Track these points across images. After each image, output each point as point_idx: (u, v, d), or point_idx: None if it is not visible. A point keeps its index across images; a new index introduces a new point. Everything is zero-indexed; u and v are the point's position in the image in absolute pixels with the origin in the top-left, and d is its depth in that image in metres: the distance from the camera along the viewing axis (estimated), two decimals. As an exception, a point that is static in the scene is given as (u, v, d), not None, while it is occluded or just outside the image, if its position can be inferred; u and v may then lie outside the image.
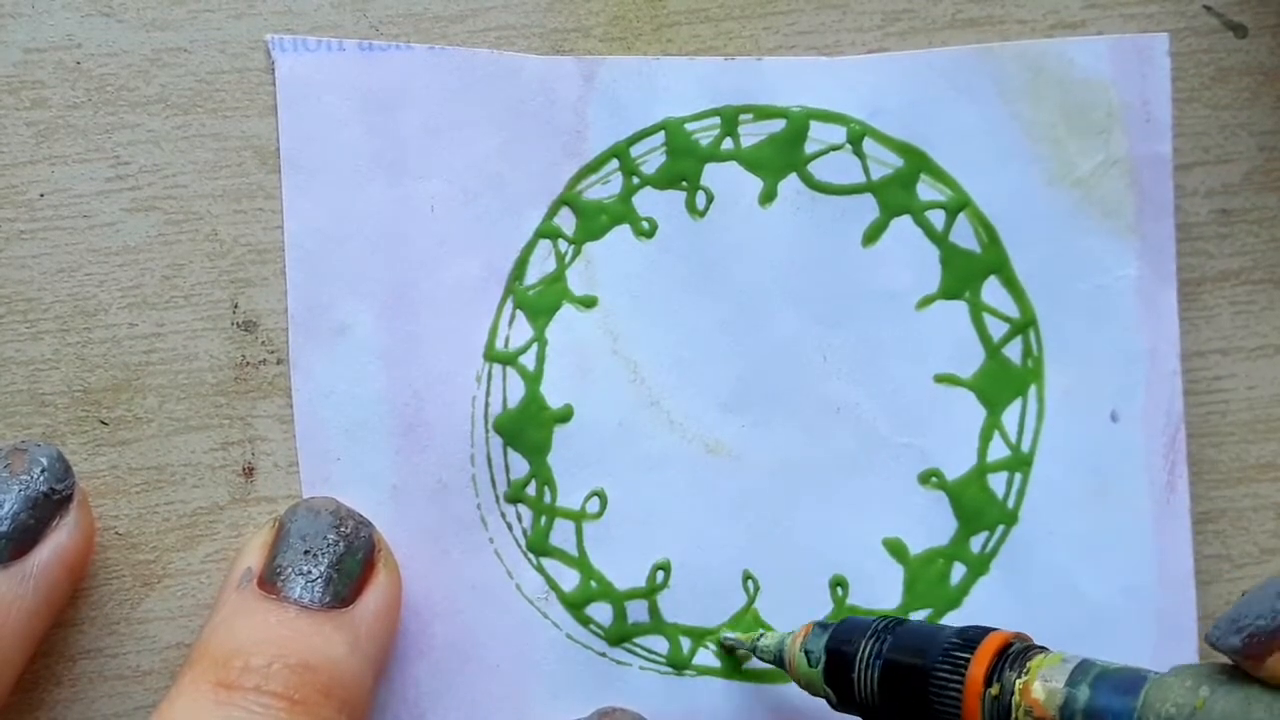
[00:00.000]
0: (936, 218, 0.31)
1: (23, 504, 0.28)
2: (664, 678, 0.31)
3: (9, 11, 0.30)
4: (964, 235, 0.32)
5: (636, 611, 0.31)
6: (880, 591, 0.31)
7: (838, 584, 0.31)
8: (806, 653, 0.29)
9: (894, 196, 0.31)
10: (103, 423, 0.31)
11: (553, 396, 0.31)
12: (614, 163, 0.31)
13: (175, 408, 0.31)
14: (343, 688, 0.27)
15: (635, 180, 0.31)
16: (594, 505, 0.31)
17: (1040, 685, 0.24)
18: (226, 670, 0.26)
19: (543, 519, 0.31)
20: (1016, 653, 0.25)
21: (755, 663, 0.31)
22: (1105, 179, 0.31)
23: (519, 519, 0.31)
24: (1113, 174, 0.31)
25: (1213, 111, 0.32)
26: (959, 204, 0.31)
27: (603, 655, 0.31)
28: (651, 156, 0.31)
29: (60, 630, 0.30)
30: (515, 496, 0.31)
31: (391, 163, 0.31)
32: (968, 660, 0.25)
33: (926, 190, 0.31)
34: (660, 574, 0.31)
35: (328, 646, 0.27)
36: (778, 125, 0.31)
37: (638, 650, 0.31)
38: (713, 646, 0.31)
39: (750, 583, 0.31)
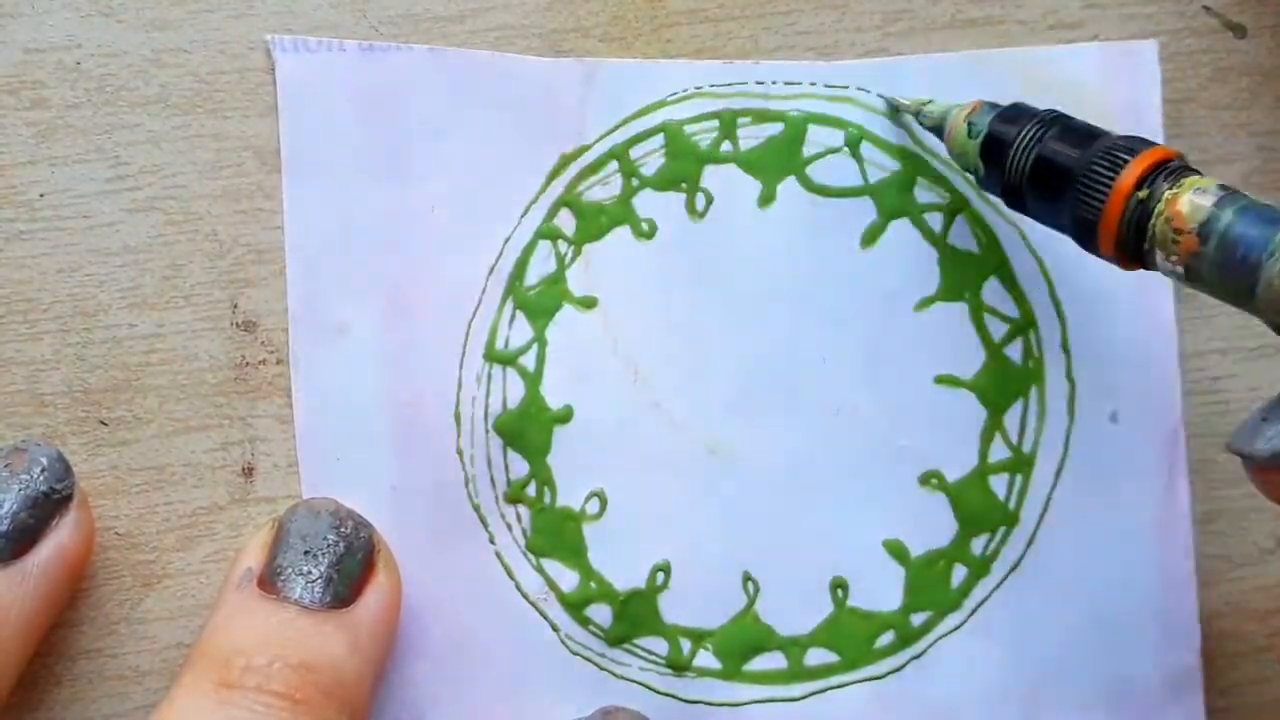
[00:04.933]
0: (934, 220, 0.31)
1: (22, 503, 0.28)
2: (664, 679, 0.31)
3: (9, 12, 0.30)
4: (962, 237, 0.32)
5: (636, 613, 0.31)
6: (881, 593, 0.31)
7: (838, 585, 0.31)
8: (969, 124, 0.29)
9: (892, 199, 0.31)
10: (103, 423, 0.31)
11: (553, 397, 0.31)
12: (614, 164, 0.31)
13: (175, 408, 0.31)
14: (343, 687, 0.27)
15: (635, 182, 0.31)
16: (594, 506, 0.31)
17: (1189, 199, 0.25)
18: (227, 670, 0.26)
19: (542, 520, 0.31)
20: (1175, 169, 0.26)
21: (756, 664, 0.31)
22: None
23: (519, 519, 0.31)
24: None
25: (1211, 112, 0.32)
26: (956, 206, 0.31)
27: (602, 656, 0.31)
28: (651, 158, 0.31)
29: (60, 630, 0.30)
30: (515, 497, 0.31)
31: (392, 163, 0.31)
32: (1127, 161, 0.26)
33: (924, 193, 0.31)
34: (660, 575, 0.31)
35: (328, 646, 0.27)
36: (776, 128, 0.31)
37: (637, 651, 0.31)
38: (710, 647, 0.31)
39: (750, 584, 0.31)
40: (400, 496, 0.31)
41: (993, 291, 0.32)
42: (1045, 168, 0.27)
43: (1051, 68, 0.31)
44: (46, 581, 0.28)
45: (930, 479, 0.32)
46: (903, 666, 0.31)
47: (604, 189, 0.31)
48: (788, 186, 0.31)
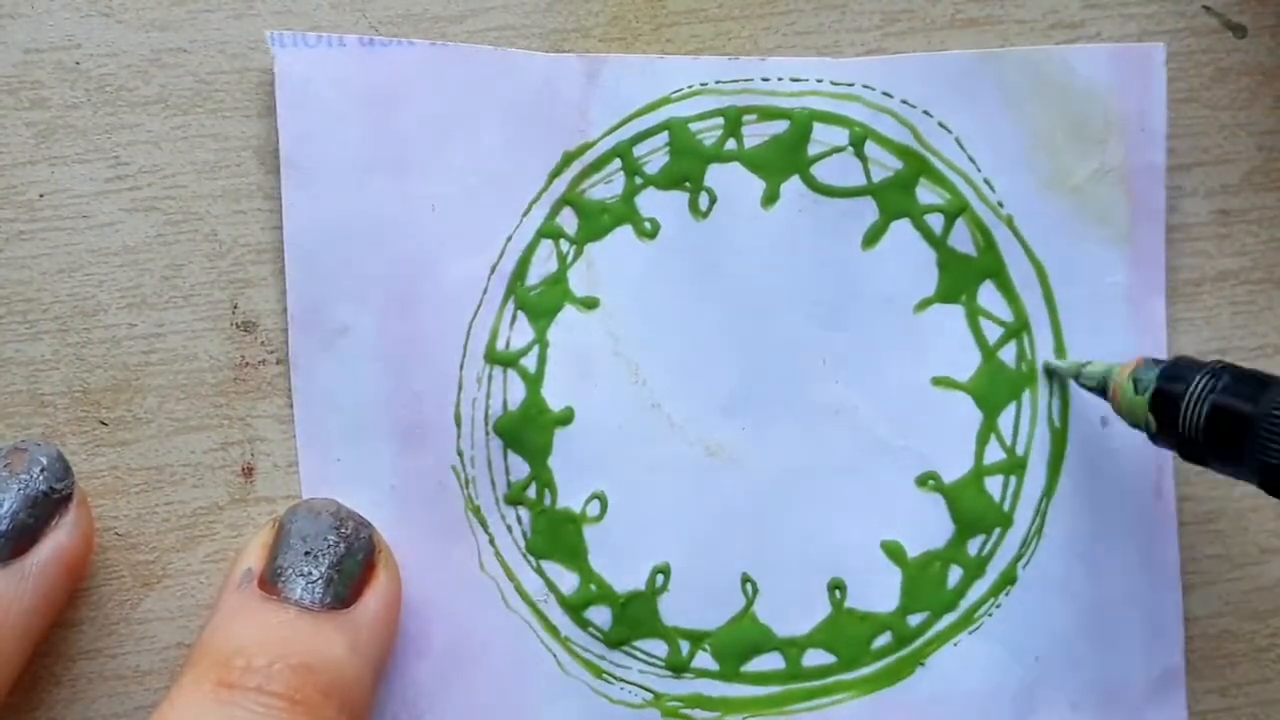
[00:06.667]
0: (935, 222, 0.31)
1: (22, 503, 0.28)
2: (663, 680, 0.31)
3: (9, 12, 0.30)
4: (961, 239, 0.32)
5: (635, 615, 0.31)
6: (878, 594, 0.31)
7: (836, 587, 0.31)
8: (1135, 380, 0.29)
9: (894, 200, 0.31)
10: (102, 423, 0.31)
11: (553, 398, 0.31)
12: (617, 162, 0.31)
13: (175, 408, 0.31)
14: (343, 688, 0.27)
15: (638, 180, 0.31)
16: (594, 508, 0.31)
17: None
18: (228, 670, 0.26)
19: (542, 521, 0.31)
20: None
21: (755, 665, 0.31)
22: (1100, 186, 0.31)
23: (519, 520, 0.31)
24: (1107, 181, 0.31)
25: (1212, 112, 0.32)
26: (957, 208, 0.31)
27: (602, 658, 0.31)
28: (655, 156, 0.31)
29: (60, 630, 0.30)
30: (515, 498, 0.31)
31: (392, 161, 0.31)
32: None
33: (926, 194, 0.31)
34: (660, 577, 0.31)
35: (328, 647, 0.27)
36: (781, 126, 0.31)
37: (636, 653, 0.31)
38: (708, 649, 0.31)
39: (749, 585, 0.31)
40: (400, 497, 0.31)
41: (989, 295, 0.32)
42: (1221, 419, 0.27)
43: (1061, 68, 0.31)
44: (46, 581, 0.28)
45: (927, 480, 0.32)
46: (899, 667, 0.31)
47: (606, 187, 0.31)
48: (791, 186, 0.31)
